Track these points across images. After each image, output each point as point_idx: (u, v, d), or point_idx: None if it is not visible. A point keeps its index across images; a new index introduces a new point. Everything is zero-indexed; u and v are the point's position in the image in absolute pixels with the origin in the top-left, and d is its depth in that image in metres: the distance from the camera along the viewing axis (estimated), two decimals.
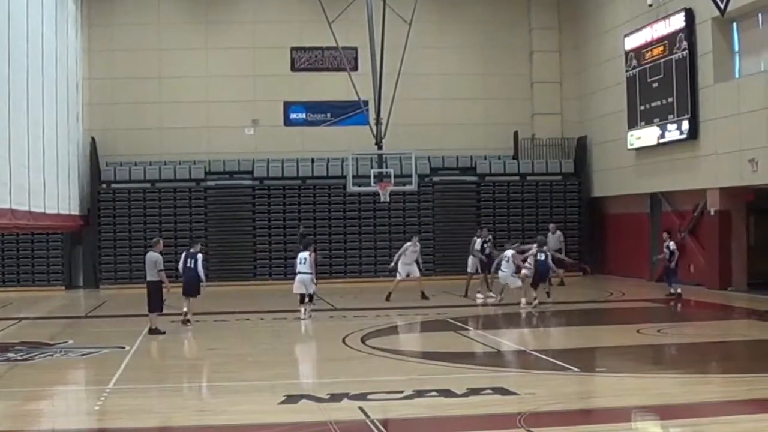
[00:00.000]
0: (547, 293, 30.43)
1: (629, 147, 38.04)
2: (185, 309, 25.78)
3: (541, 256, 29.16)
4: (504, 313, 28.65)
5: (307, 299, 27.19)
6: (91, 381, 18.30)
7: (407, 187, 37.67)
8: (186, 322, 25.61)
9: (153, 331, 23.77)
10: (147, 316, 24.19)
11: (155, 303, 24.15)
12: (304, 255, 27.30)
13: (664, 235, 32.31)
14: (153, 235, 38.61)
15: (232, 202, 41.25)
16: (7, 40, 24.14)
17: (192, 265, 25.90)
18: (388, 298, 31.70)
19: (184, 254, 26.39)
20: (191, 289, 26.01)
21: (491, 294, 31.21)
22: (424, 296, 32.02)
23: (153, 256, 24.26)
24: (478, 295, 31.54)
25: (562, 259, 34.56)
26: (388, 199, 37.36)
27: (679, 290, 31.27)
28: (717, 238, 33.46)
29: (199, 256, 26.20)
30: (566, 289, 34.23)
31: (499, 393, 15.17)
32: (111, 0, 42.52)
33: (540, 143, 43.87)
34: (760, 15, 31.52)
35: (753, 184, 31.45)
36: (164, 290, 24.28)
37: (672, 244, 31.43)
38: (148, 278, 24.26)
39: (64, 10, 35.16)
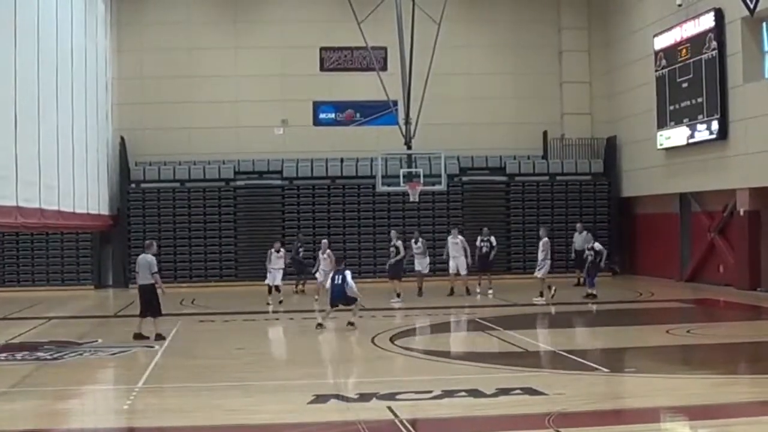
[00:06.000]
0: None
1: (659, 147, 37.88)
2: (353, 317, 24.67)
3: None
4: (533, 314, 28.60)
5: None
6: (120, 380, 18.34)
7: (436, 187, 37.61)
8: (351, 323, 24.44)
9: (147, 337, 22.80)
10: (173, 315, 23.90)
11: (152, 307, 23.12)
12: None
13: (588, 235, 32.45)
14: (182, 234, 39.22)
15: (261, 202, 41.31)
16: (36, 41, 24.28)
17: (339, 282, 24.21)
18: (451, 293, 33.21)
19: (332, 273, 24.87)
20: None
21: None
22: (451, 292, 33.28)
23: (147, 258, 23.20)
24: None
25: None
26: (417, 199, 37.42)
27: (594, 291, 31.19)
28: (746, 239, 33.30)
29: (347, 272, 24.43)
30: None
31: (528, 393, 15.14)
32: None
33: (569, 143, 43.74)
34: None
35: None
36: (159, 292, 23.18)
37: (597, 245, 31.36)
38: (141, 282, 23.23)
39: (93, 10, 35.30)
